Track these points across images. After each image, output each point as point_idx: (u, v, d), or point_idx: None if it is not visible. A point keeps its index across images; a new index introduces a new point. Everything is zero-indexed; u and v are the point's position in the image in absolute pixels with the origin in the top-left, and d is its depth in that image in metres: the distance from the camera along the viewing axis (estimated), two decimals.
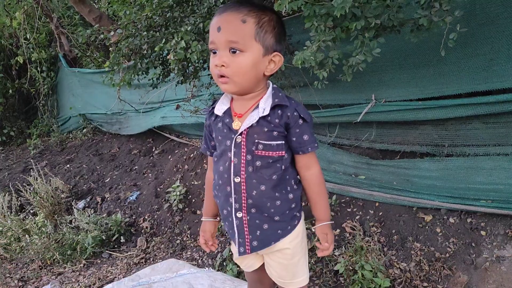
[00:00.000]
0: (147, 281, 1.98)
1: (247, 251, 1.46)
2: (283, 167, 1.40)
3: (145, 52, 3.03)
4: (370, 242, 2.63)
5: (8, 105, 8.07)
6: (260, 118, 1.33)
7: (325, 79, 2.18)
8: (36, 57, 7.17)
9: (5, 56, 7.76)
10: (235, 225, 1.45)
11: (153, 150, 5.60)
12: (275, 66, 1.33)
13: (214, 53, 1.30)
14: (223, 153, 1.41)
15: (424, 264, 2.40)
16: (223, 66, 1.27)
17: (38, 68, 7.57)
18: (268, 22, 1.28)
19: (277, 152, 1.37)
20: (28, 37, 6.76)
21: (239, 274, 2.65)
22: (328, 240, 1.49)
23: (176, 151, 5.09)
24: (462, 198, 2.55)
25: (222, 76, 1.29)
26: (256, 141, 1.35)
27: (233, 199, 1.41)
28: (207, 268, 2.38)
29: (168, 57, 2.55)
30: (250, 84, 1.32)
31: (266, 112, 1.32)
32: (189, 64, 2.85)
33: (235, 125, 1.37)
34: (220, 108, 1.42)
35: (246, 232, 1.45)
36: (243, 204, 1.41)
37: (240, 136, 1.36)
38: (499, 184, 2.53)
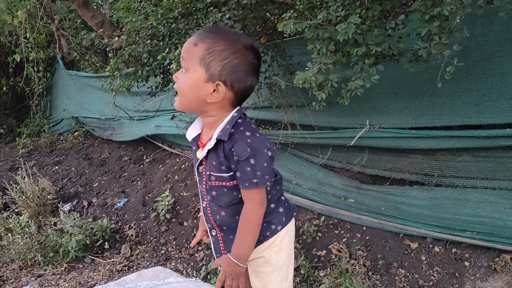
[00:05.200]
0: (133, 287, 1.97)
1: None
2: (240, 195, 1.38)
3: (146, 60, 3.07)
4: (356, 265, 2.65)
5: (0, 102, 8.01)
6: (208, 150, 1.34)
7: (323, 100, 2.23)
8: (34, 56, 7.15)
9: (2, 53, 7.73)
10: (211, 242, 1.53)
11: (144, 158, 5.58)
12: (219, 96, 1.28)
13: None
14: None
15: None
16: (176, 79, 1.35)
17: (35, 68, 7.53)
18: (220, 51, 1.24)
19: (231, 182, 1.36)
20: (28, 36, 6.76)
21: None
22: (221, 274, 1.44)
23: (167, 161, 5.08)
24: (449, 228, 2.59)
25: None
26: (208, 173, 1.37)
27: (205, 219, 1.51)
28: (193, 278, 2.36)
29: (170, 66, 2.59)
30: (190, 104, 1.33)
31: (212, 145, 1.32)
32: None
33: (199, 154, 1.40)
34: (191, 133, 1.46)
35: (221, 248, 1.51)
36: (214, 224, 1.48)
37: (201, 166, 1.40)
38: (485, 217, 2.58)
